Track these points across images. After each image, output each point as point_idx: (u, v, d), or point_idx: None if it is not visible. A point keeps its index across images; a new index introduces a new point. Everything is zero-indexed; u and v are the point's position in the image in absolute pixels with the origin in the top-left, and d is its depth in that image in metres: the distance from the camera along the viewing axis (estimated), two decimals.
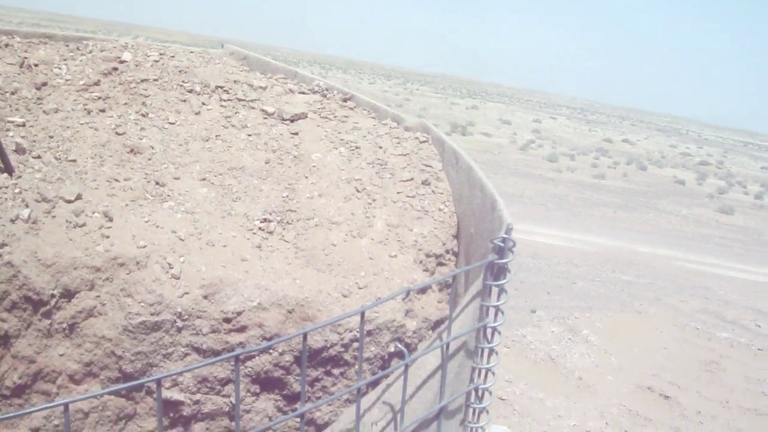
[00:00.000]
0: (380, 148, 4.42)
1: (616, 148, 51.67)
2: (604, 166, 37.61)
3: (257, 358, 3.43)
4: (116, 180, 3.67)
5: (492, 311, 2.68)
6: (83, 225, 3.34)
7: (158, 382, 1.68)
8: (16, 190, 3.32)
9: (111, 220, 3.42)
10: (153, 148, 3.92)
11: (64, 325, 3.22)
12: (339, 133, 4.44)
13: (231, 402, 3.47)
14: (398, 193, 4.13)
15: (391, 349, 3.55)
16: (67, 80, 4.16)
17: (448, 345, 2.43)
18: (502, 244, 2.61)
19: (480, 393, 2.81)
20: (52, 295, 3.17)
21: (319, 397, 3.52)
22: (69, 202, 3.39)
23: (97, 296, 3.26)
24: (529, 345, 11.01)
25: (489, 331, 2.72)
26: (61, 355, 3.22)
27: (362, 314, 2.10)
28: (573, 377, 10.15)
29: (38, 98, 3.95)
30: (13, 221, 3.18)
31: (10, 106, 3.78)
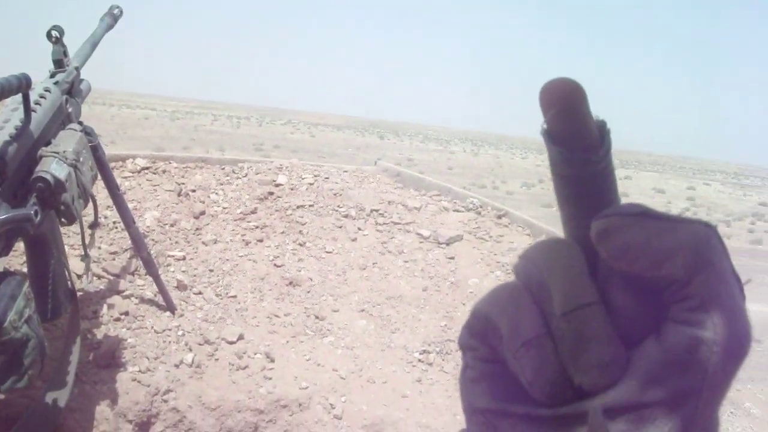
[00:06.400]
0: None
1: None
2: (760, 231, 35.66)
3: None
4: (276, 316, 3.66)
5: None
6: (246, 367, 3.32)
7: None
8: (180, 333, 3.35)
9: (273, 360, 3.40)
10: (311, 279, 3.91)
11: None
12: (495, 255, 4.34)
13: None
14: None
15: None
16: (224, 208, 4.23)
17: None
18: None
19: None
20: None
21: None
22: (231, 343, 3.40)
23: None
24: None
25: None
26: None
27: None
28: None
29: (197, 228, 4.02)
30: (177, 366, 3.19)
31: (170, 239, 3.86)
